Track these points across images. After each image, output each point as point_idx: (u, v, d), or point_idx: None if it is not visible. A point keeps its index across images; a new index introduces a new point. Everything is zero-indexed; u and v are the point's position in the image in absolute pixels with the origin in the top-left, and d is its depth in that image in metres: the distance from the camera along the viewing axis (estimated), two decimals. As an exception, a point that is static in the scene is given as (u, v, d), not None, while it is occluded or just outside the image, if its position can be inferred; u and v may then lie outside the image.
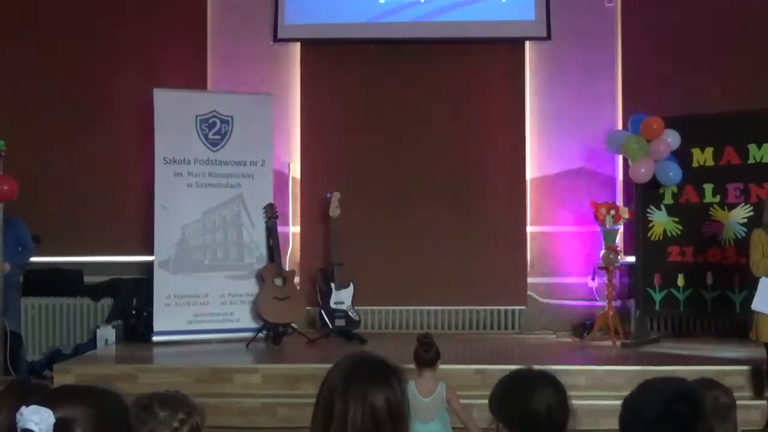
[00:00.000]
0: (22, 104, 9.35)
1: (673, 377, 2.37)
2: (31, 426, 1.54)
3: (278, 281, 8.60)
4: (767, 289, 6.52)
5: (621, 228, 8.81)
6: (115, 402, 1.72)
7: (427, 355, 5.02)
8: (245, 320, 8.69)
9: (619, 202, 9.14)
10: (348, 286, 8.78)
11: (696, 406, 2.21)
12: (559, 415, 2.63)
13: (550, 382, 2.71)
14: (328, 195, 8.95)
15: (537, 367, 2.86)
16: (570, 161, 9.48)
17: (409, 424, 2.37)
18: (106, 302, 9.16)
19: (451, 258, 9.32)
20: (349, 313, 8.71)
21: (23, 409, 1.56)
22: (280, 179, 9.37)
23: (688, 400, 2.22)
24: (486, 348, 8.58)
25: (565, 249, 9.48)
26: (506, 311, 9.37)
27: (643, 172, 8.19)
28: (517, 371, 2.78)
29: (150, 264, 8.69)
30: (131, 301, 9.05)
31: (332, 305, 8.69)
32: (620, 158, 9.14)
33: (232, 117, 8.84)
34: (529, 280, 9.43)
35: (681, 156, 8.29)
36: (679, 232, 8.46)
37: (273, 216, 8.78)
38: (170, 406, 2.51)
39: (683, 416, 2.17)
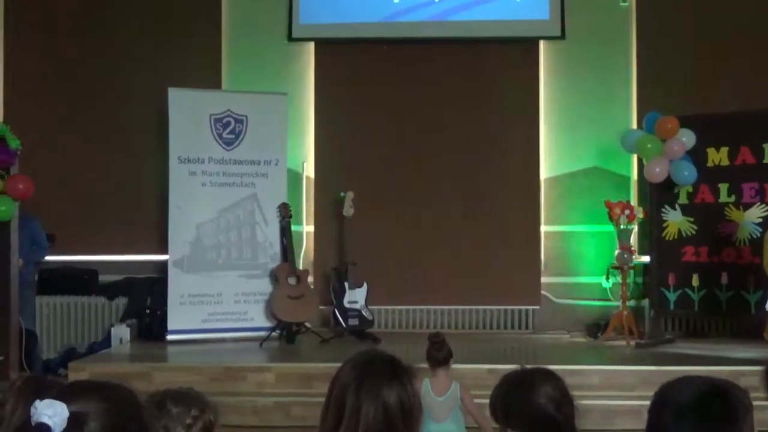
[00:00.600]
0: (37, 104, 9.39)
1: (719, 378, 2.32)
2: (45, 420, 1.55)
3: (292, 280, 8.61)
4: None
5: (635, 228, 8.78)
6: (128, 397, 1.73)
7: (439, 354, 5.01)
8: (259, 319, 8.71)
9: (634, 201, 9.11)
10: (361, 285, 8.78)
11: (729, 407, 2.16)
12: (567, 408, 2.62)
13: (549, 377, 2.69)
14: (342, 194, 8.95)
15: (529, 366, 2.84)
16: (584, 160, 9.46)
17: (420, 425, 2.37)
18: (121, 301, 9.19)
19: (464, 258, 9.31)
20: (363, 313, 8.71)
21: (37, 403, 1.57)
22: (294, 178, 9.38)
23: (724, 399, 2.17)
24: (499, 348, 8.55)
25: (579, 248, 9.46)
26: (520, 311, 9.36)
27: (657, 172, 8.16)
28: (514, 372, 2.76)
29: (164, 263, 8.72)
30: (146, 299, 9.08)
31: (346, 304, 8.70)
32: (635, 158, 9.11)
33: (246, 116, 8.85)
34: (543, 279, 9.41)
35: (696, 155, 8.25)
36: (693, 232, 8.42)
37: (287, 215, 8.79)
38: (183, 403, 2.52)
39: (713, 412, 2.13)
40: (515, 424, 2.62)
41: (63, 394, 1.63)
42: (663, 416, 2.19)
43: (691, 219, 8.44)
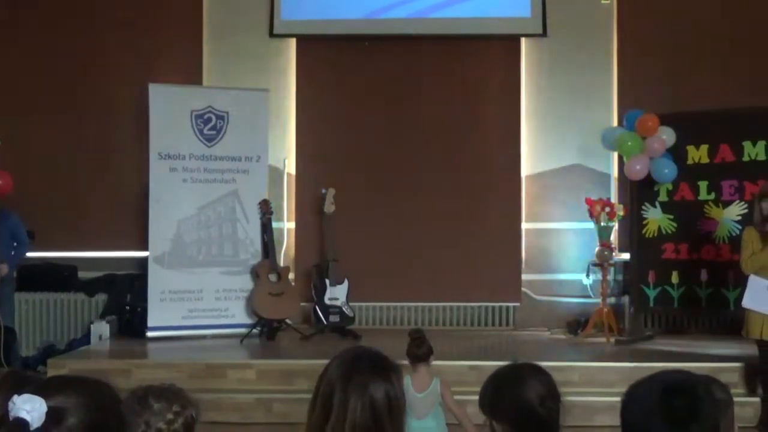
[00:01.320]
0: (17, 99, 9.33)
1: (685, 371, 2.26)
2: (23, 414, 1.54)
3: (273, 277, 8.60)
4: (757, 287, 6.55)
5: (616, 225, 8.80)
6: (107, 392, 1.72)
7: (419, 350, 5.01)
8: (239, 316, 8.69)
9: (614, 199, 9.14)
10: (342, 282, 8.78)
11: (693, 402, 2.09)
12: (552, 404, 2.62)
13: (538, 372, 2.70)
14: (323, 191, 8.94)
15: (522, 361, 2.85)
16: (565, 158, 9.49)
17: (405, 420, 2.38)
18: (101, 297, 9.15)
19: (445, 254, 9.31)
20: (344, 309, 8.71)
21: (15, 398, 1.56)
22: (275, 175, 9.36)
23: (685, 394, 2.10)
24: (480, 344, 8.58)
25: (559, 246, 9.49)
26: (500, 308, 9.37)
27: (638, 169, 8.20)
28: (505, 366, 2.77)
29: (144, 259, 8.69)
30: (126, 296, 9.03)
31: (326, 301, 8.69)
32: (615, 155, 9.14)
33: (227, 112, 8.83)
34: (524, 276, 9.43)
35: (676, 153, 8.30)
36: (673, 230, 8.46)
37: (268, 212, 8.78)
38: (165, 398, 2.52)
39: (676, 411, 2.07)
40: (500, 418, 2.63)
41: (41, 389, 1.62)
42: (630, 415, 2.18)
43: (671, 216, 8.48)
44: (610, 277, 8.79)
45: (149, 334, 8.38)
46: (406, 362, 4.96)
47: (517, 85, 9.54)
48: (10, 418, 1.55)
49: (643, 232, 8.59)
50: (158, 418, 2.48)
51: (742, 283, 7.26)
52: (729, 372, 6.77)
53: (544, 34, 9.48)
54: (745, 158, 8.17)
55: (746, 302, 6.63)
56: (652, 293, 8.55)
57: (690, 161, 8.38)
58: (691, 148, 8.38)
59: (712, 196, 8.30)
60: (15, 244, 7.99)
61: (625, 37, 9.47)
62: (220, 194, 8.78)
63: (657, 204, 8.53)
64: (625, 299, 8.93)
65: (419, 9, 9.53)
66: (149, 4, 9.54)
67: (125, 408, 2.50)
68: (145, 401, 2.50)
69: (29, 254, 8.43)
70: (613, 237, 8.87)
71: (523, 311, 9.38)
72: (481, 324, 9.37)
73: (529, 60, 9.61)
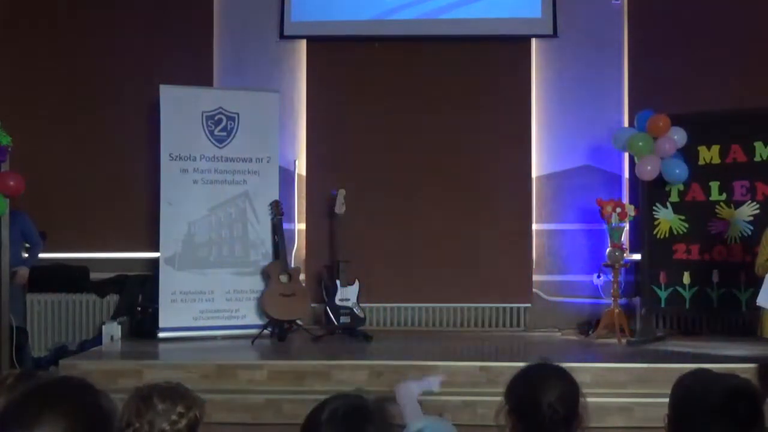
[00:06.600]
0: (28, 101, 9.35)
1: (740, 377, 2.43)
2: None
3: (284, 278, 8.60)
4: None
5: (627, 226, 8.79)
6: (89, 399, 1.71)
7: None
8: (250, 317, 8.70)
9: (625, 199, 9.13)
10: (353, 283, 8.77)
11: (756, 409, 2.26)
12: (560, 413, 2.64)
13: (564, 380, 2.71)
14: (334, 192, 8.94)
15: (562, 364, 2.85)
16: (576, 159, 9.46)
17: None
18: (112, 298, 9.16)
19: (456, 255, 9.30)
20: (354, 310, 8.70)
21: None
22: (286, 176, 9.36)
23: (750, 401, 2.26)
24: (491, 345, 8.56)
25: (570, 247, 9.47)
26: (511, 309, 9.36)
27: (649, 170, 8.18)
28: (537, 364, 2.81)
29: (156, 260, 8.71)
30: (137, 297, 9.05)
31: (337, 302, 8.69)
32: (626, 156, 9.12)
33: (238, 114, 8.84)
34: (535, 277, 9.41)
35: (687, 153, 8.28)
36: (685, 230, 8.44)
37: (279, 213, 8.79)
38: (170, 399, 2.52)
39: (741, 414, 2.21)
40: (511, 408, 2.68)
41: (19, 417, 1.59)
42: (688, 413, 2.25)
43: (683, 217, 8.45)
44: (621, 278, 8.77)
45: (160, 335, 8.40)
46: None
47: (527, 85, 9.52)
48: None
49: (655, 232, 8.57)
50: (162, 419, 2.48)
51: (754, 283, 7.24)
52: (743, 373, 6.60)
53: (555, 34, 9.47)
54: (757, 158, 8.14)
55: (761, 300, 6.59)
56: (663, 294, 8.52)
57: (701, 161, 8.35)
58: (702, 149, 8.36)
59: (724, 196, 8.27)
60: (27, 246, 8.02)
61: (635, 37, 9.45)
62: (231, 195, 8.79)
63: (668, 204, 8.50)
64: (637, 300, 8.91)
65: (429, 10, 9.52)
66: (160, 6, 9.56)
67: (128, 407, 2.50)
68: (150, 401, 2.50)
69: (41, 255, 8.47)
70: (624, 238, 8.85)
71: (534, 312, 9.36)
72: (492, 325, 9.35)
73: (540, 61, 9.60)
